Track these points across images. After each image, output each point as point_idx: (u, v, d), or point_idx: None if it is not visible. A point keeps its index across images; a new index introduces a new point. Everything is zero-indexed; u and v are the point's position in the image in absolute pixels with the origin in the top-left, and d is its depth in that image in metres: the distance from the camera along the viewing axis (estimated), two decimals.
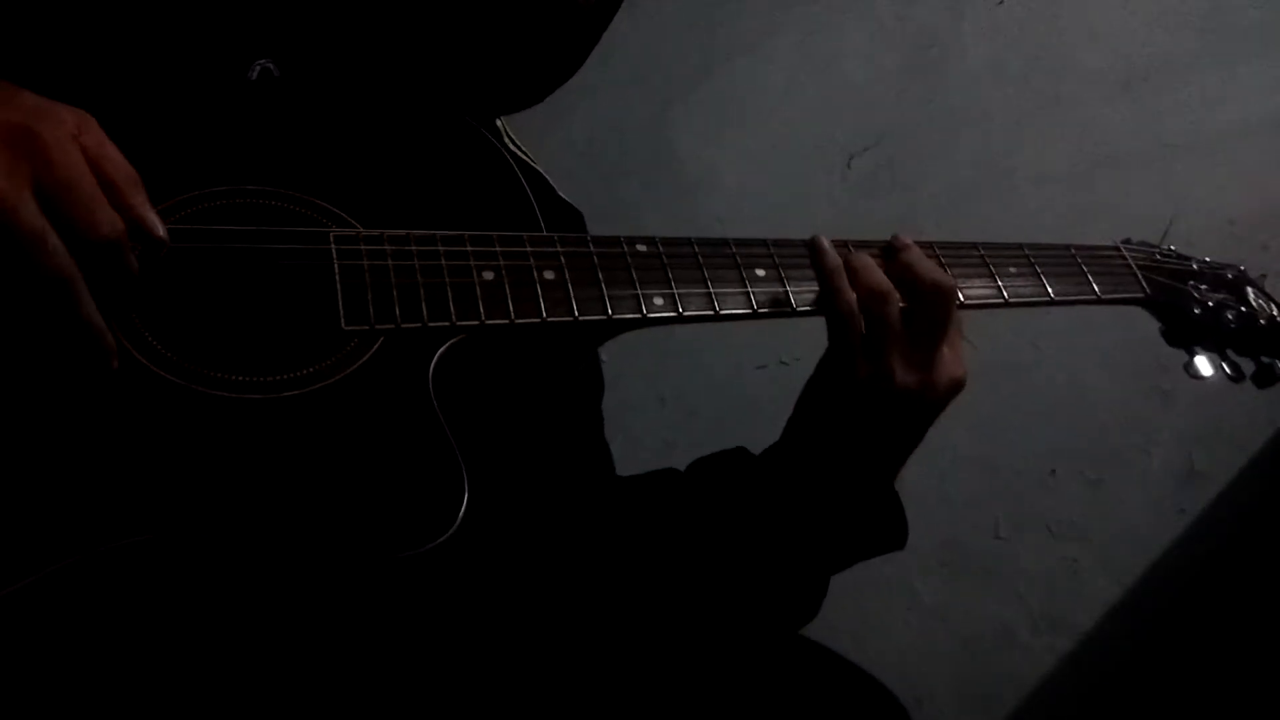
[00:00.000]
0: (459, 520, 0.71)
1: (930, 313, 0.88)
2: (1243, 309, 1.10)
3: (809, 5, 2.19)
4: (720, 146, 2.17)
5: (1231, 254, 1.90)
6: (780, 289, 0.90)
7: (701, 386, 2.00)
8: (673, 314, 0.86)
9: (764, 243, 0.93)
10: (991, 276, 0.97)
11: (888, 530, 0.99)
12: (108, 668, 0.70)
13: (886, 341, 0.87)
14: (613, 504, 0.99)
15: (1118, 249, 1.08)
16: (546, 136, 2.35)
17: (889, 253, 0.93)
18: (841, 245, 0.93)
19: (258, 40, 0.90)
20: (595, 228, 1.06)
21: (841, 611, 2.06)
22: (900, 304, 0.88)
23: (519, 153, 1.04)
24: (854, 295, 0.88)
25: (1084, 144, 2.05)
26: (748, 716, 0.88)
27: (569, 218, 1.04)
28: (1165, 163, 2.00)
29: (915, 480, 2.15)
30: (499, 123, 1.07)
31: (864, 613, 2.04)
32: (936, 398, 0.90)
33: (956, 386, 0.91)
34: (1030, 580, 2.00)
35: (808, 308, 0.90)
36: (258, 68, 0.89)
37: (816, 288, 0.90)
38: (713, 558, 0.95)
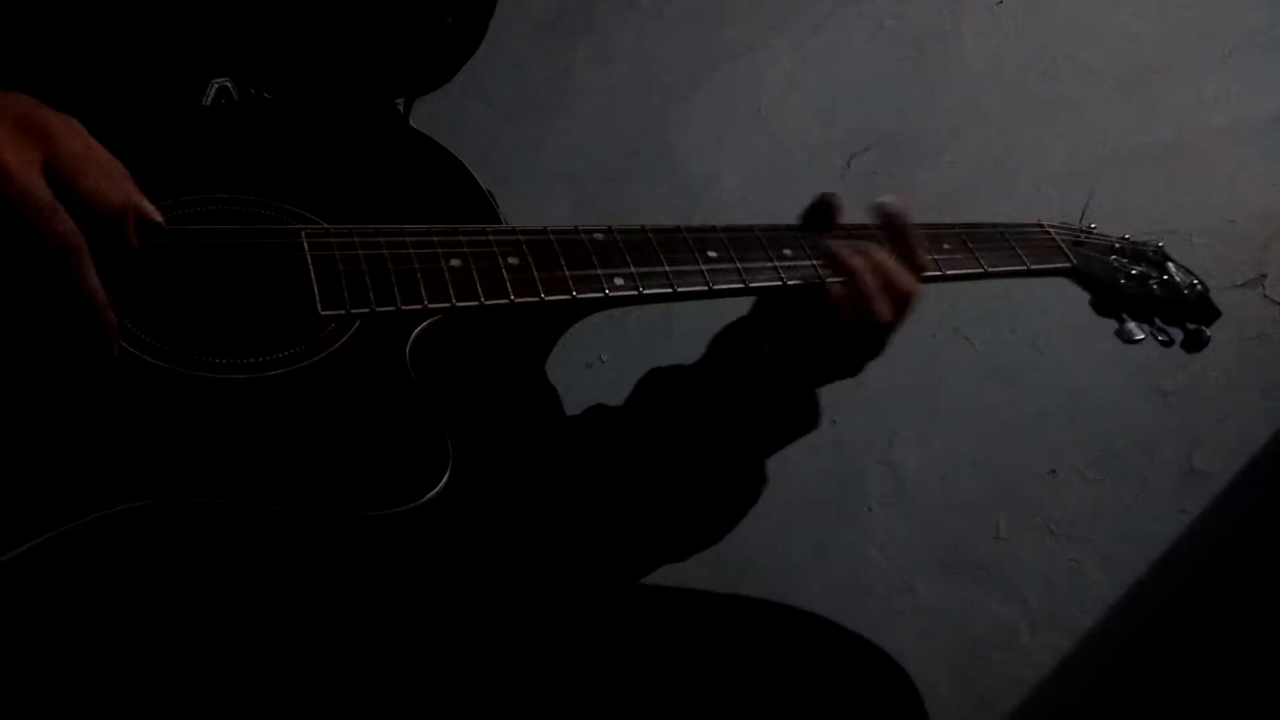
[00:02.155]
0: (446, 478, 0.74)
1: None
2: (1165, 278, 1.16)
3: (809, 5, 2.19)
4: (720, 146, 2.17)
5: (1231, 254, 1.91)
6: (732, 266, 0.95)
7: None
8: (633, 293, 0.90)
9: (713, 228, 0.98)
10: (926, 250, 1.04)
11: (807, 418, 1.07)
12: (98, 631, 0.72)
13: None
14: (568, 443, 1.06)
15: (1040, 225, 1.14)
16: (547, 137, 2.35)
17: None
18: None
19: (212, 60, 0.94)
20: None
21: (842, 611, 2.05)
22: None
23: (419, 131, 1.09)
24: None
25: (1084, 144, 2.05)
26: (759, 688, 0.91)
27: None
28: (1165, 163, 2.00)
29: (916, 481, 2.16)
30: (399, 106, 1.12)
31: (864, 613, 2.04)
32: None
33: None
34: (1030, 580, 2.00)
35: (760, 284, 0.96)
36: (215, 85, 0.93)
37: (768, 264, 0.97)
38: (659, 459, 1.02)
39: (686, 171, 2.15)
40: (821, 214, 1.04)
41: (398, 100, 1.10)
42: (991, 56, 2.11)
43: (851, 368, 1.00)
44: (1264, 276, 1.91)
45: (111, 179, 0.73)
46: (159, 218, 0.76)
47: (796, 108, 2.17)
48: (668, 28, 2.24)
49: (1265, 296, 1.89)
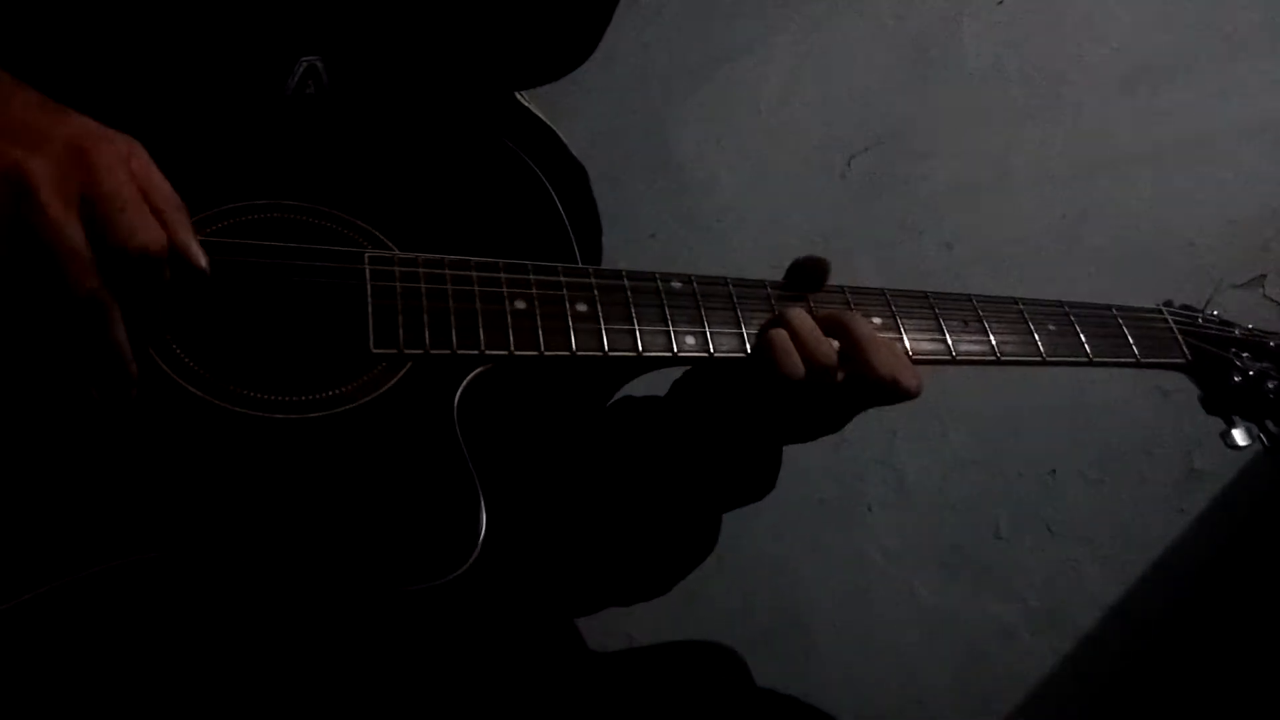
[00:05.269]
0: (474, 557, 0.70)
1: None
2: None
3: (809, 5, 2.19)
4: (720, 147, 2.17)
5: (1232, 254, 1.91)
6: None
7: None
8: (704, 354, 0.85)
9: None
10: (1030, 332, 0.97)
11: (761, 481, 1.00)
12: (111, 681, 0.70)
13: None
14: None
15: (1160, 312, 1.07)
16: None
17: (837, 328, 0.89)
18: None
19: (302, 37, 0.89)
20: None
21: (843, 611, 2.06)
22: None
23: (532, 109, 1.04)
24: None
25: (1084, 144, 2.05)
26: None
27: (574, 176, 1.02)
28: (1165, 163, 2.00)
29: (916, 481, 2.16)
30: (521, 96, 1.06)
31: (865, 612, 2.04)
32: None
33: None
34: (1030, 580, 2.00)
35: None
36: (303, 64, 0.88)
37: None
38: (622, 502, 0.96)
39: (686, 171, 2.15)
40: (805, 276, 0.92)
41: (520, 92, 1.04)
42: (991, 56, 2.11)
43: (800, 436, 0.92)
44: (1264, 276, 1.91)
45: (149, 226, 0.68)
46: (203, 263, 0.71)
47: (796, 108, 2.17)
48: (668, 28, 2.23)
49: (1265, 296, 1.89)
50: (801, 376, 0.82)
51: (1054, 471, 2.01)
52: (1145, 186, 2.00)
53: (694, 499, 0.96)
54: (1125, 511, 1.98)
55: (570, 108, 2.16)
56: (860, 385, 0.86)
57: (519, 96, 1.04)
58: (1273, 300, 1.89)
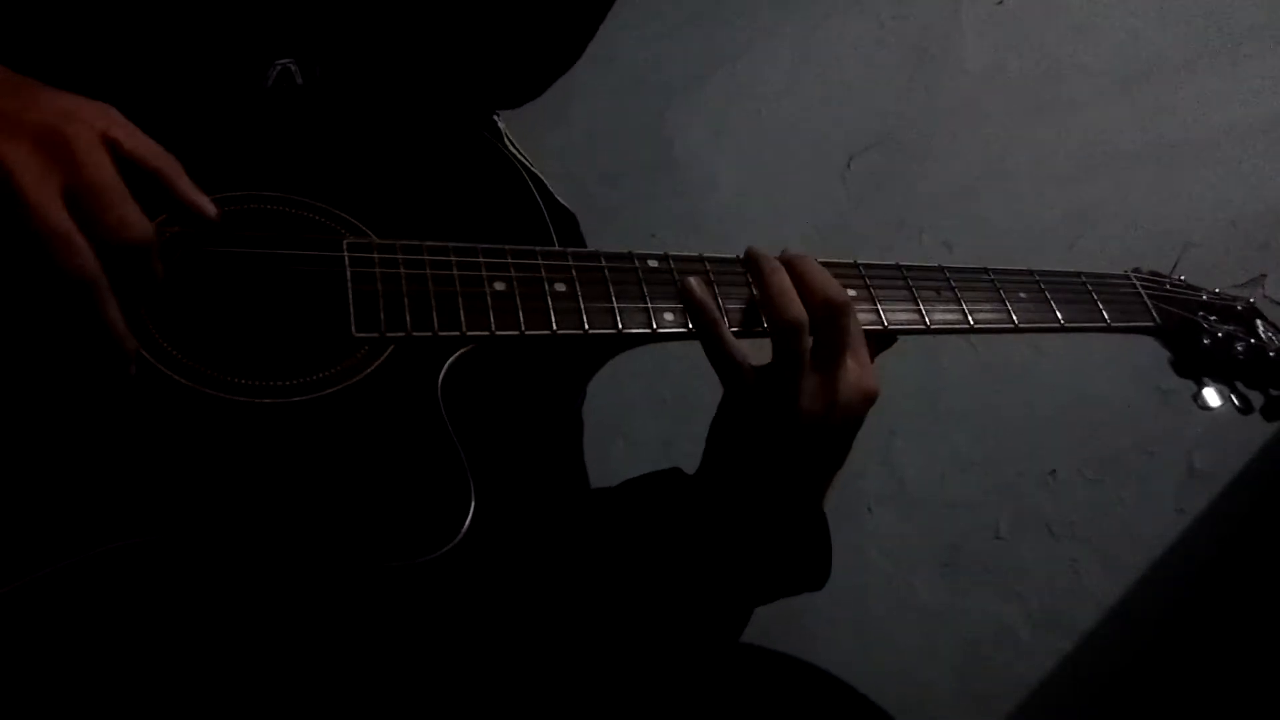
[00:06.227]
0: (464, 531, 0.71)
1: (826, 333, 0.84)
2: (1252, 341, 1.10)
3: (809, 5, 2.19)
4: (720, 146, 2.18)
5: (1231, 254, 1.91)
6: None
7: (701, 386, 1.99)
8: (682, 330, 0.86)
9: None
10: (1001, 301, 0.98)
11: (811, 563, 0.97)
12: (101, 670, 0.70)
13: (797, 374, 0.84)
14: (582, 521, 0.98)
15: (1128, 277, 1.08)
16: (547, 137, 2.35)
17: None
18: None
19: (277, 40, 0.90)
20: (596, 228, 1.06)
21: (842, 611, 2.06)
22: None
23: (518, 155, 1.05)
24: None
25: (1084, 144, 2.05)
26: None
27: (564, 220, 1.04)
28: (1165, 163, 2.00)
29: (916, 481, 2.16)
30: (500, 124, 1.07)
31: (864, 612, 2.04)
32: (848, 417, 0.89)
33: (868, 400, 0.89)
34: (1030, 580, 2.00)
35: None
36: (278, 67, 0.89)
37: None
38: (641, 578, 0.92)
39: (686, 171, 2.15)
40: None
41: (496, 114, 1.04)
42: (991, 56, 2.11)
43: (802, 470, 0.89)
44: (1264, 276, 1.91)
45: (135, 219, 0.68)
46: (213, 213, 0.72)
47: (796, 108, 2.17)
48: (668, 28, 2.24)
49: (1265, 296, 1.89)
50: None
51: (1054, 471, 2.01)
52: (1145, 186, 2.01)
53: (722, 576, 0.92)
54: (1125, 511, 1.98)
55: (571, 107, 2.16)
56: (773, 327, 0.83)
57: (509, 146, 1.05)
58: (1273, 300, 1.89)
